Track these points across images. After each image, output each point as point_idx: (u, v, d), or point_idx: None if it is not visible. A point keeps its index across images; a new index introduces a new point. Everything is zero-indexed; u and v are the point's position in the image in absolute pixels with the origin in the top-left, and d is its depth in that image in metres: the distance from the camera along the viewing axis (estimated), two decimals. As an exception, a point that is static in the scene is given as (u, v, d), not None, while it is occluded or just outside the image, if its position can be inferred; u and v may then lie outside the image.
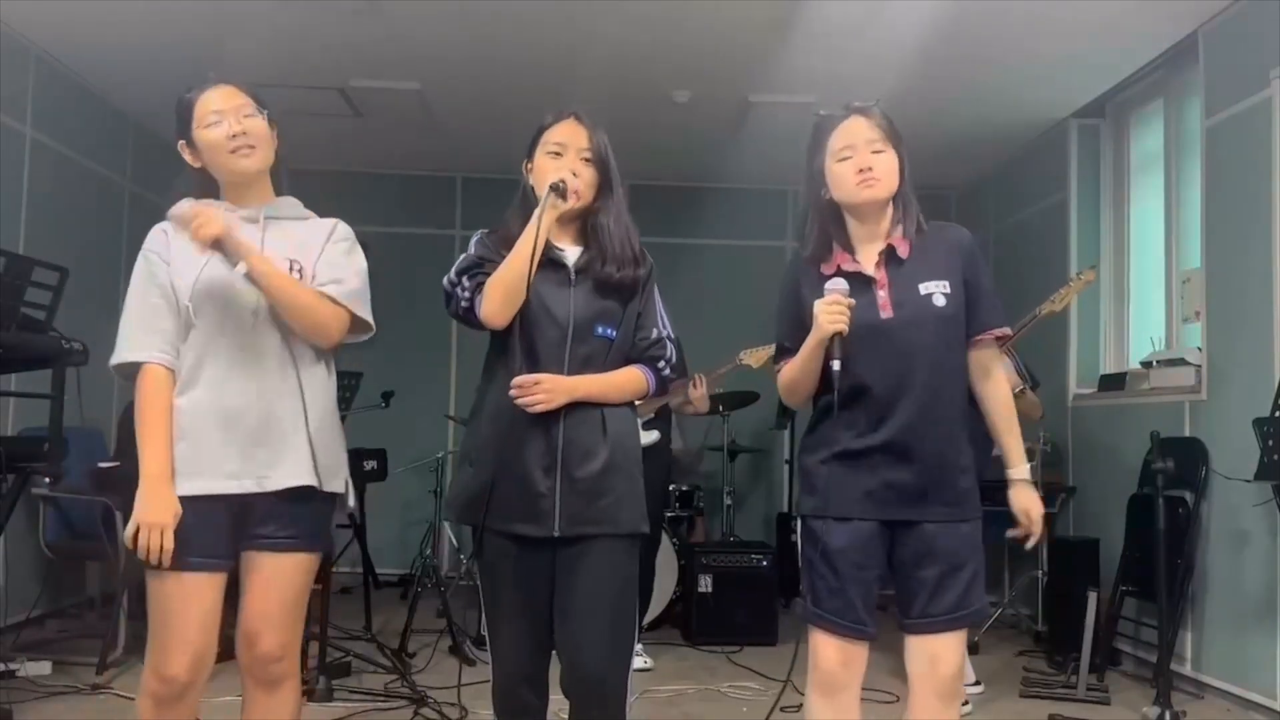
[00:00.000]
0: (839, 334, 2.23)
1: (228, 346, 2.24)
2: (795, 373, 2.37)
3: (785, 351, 2.43)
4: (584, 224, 2.42)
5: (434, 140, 6.53)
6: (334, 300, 2.30)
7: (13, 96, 4.89)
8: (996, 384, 2.40)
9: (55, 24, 4.78)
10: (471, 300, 2.33)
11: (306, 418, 2.27)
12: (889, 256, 2.33)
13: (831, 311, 2.24)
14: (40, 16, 4.69)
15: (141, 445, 2.20)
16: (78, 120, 5.48)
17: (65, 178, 5.32)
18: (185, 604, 2.19)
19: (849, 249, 2.36)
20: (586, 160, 2.38)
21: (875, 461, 2.27)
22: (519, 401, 2.26)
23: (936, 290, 2.29)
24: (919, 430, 2.26)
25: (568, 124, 2.40)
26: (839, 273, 2.33)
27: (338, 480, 2.34)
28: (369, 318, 2.37)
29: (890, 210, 2.35)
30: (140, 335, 2.24)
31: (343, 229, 2.43)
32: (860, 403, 2.28)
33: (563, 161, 2.36)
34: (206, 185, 2.36)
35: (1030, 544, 2.38)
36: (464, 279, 2.35)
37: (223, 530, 2.23)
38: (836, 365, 2.24)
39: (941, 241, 2.36)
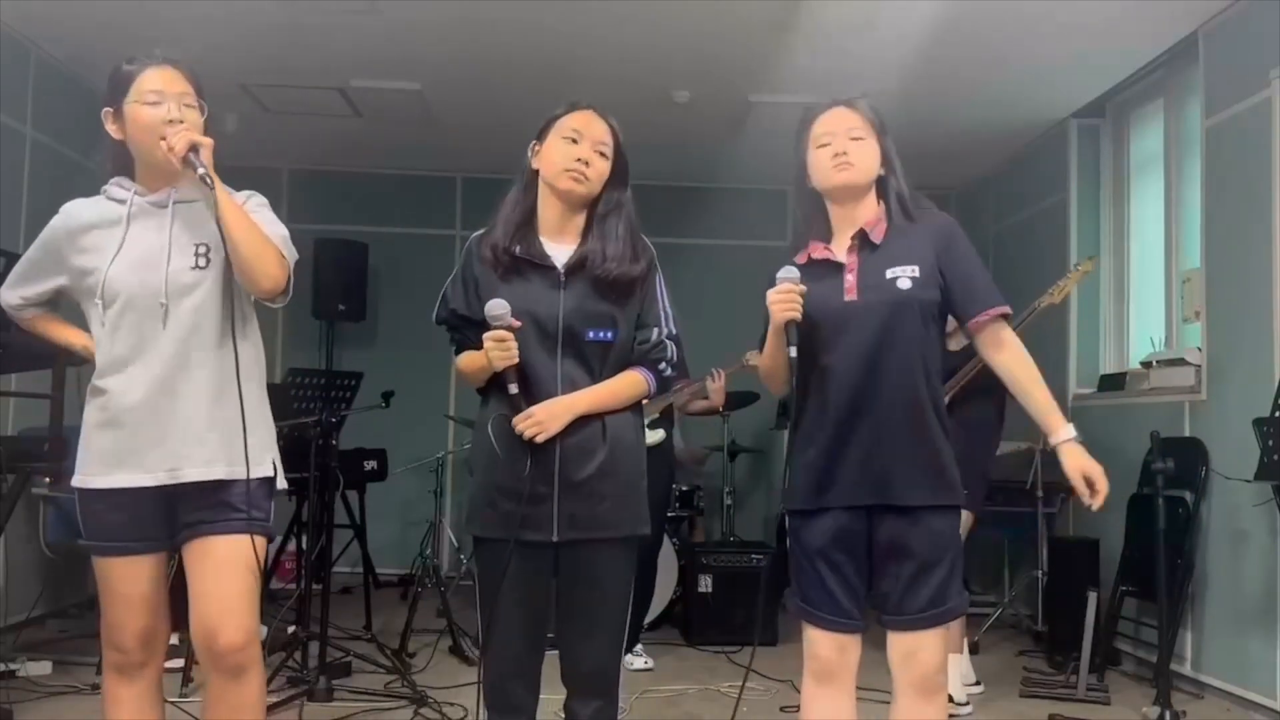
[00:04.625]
0: (793, 321, 2.24)
1: (140, 337, 2.19)
2: (765, 361, 2.41)
3: (763, 341, 2.44)
4: (589, 218, 2.40)
5: (434, 140, 6.52)
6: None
7: (13, 96, 4.89)
8: (1010, 351, 2.31)
9: (55, 24, 4.78)
10: (458, 351, 2.40)
11: (238, 405, 2.19)
12: (862, 242, 2.33)
13: (782, 300, 2.24)
14: (40, 16, 4.69)
15: (56, 340, 2.44)
16: (78, 120, 5.47)
17: (65, 178, 5.32)
18: (122, 587, 2.24)
19: (826, 237, 2.37)
20: (601, 153, 2.36)
21: (846, 447, 2.26)
22: (523, 435, 2.27)
23: (903, 274, 2.28)
24: (887, 413, 2.25)
25: (585, 113, 2.40)
26: (809, 262, 2.34)
27: (263, 465, 2.27)
28: (291, 277, 2.28)
29: (871, 198, 2.36)
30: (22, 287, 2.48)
31: (259, 197, 2.36)
32: (828, 387, 2.28)
33: (577, 149, 2.34)
34: (122, 158, 2.33)
35: (1096, 504, 2.21)
36: (443, 326, 2.42)
37: (150, 515, 2.22)
38: (793, 352, 2.25)
39: (922, 229, 2.35)
